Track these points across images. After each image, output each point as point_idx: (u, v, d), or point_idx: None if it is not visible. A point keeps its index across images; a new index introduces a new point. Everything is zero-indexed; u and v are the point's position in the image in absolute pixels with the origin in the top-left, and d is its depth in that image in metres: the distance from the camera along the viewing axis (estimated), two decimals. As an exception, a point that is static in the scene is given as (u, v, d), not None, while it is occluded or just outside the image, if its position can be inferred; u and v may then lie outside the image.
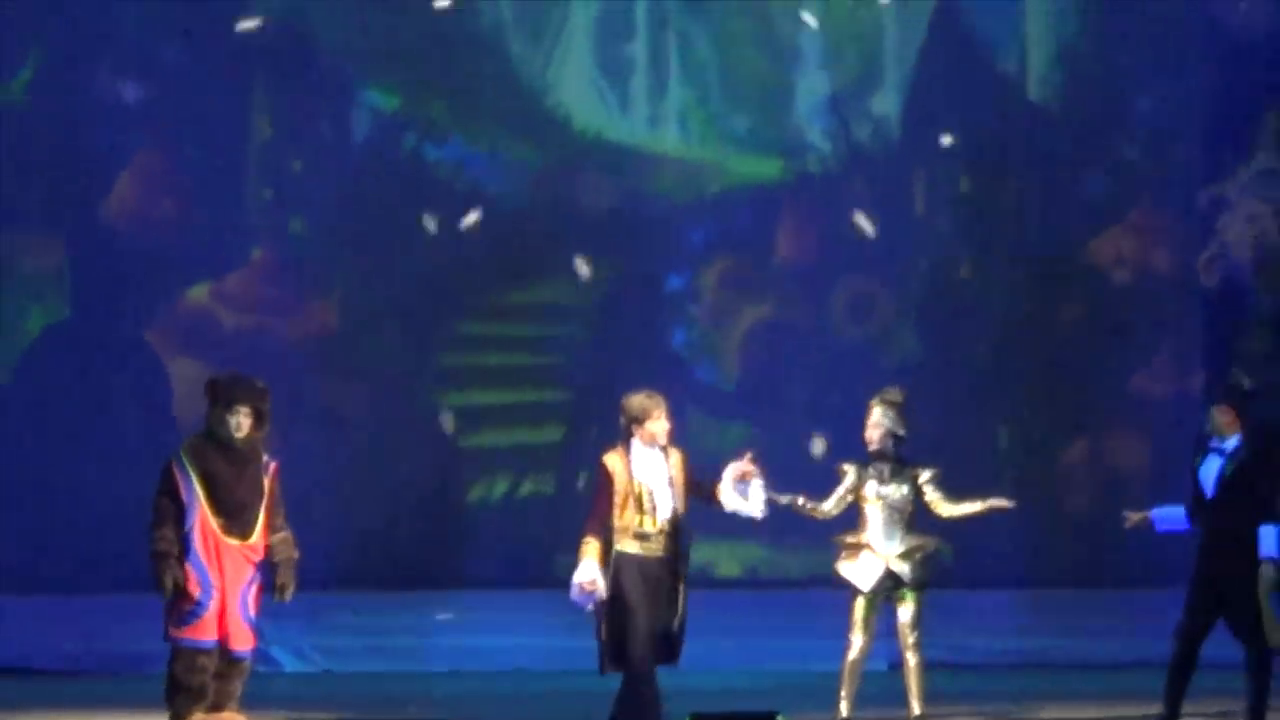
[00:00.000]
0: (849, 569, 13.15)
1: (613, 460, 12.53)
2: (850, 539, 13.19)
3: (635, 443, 12.54)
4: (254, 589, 12.66)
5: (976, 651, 17.08)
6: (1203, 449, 12.59)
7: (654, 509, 12.47)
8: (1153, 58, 18.48)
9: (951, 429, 17.84)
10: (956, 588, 17.17)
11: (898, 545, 13.08)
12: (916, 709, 13.01)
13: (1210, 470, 12.51)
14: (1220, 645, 12.61)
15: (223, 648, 12.66)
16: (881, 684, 13.54)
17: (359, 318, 18.40)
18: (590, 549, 12.39)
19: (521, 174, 18.53)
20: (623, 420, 12.63)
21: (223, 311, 18.28)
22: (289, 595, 12.68)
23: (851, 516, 13.23)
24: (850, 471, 13.25)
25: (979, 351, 18.45)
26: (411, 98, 18.51)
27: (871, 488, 13.18)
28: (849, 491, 13.21)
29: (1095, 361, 18.11)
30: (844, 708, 13.07)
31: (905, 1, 18.54)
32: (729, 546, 18.11)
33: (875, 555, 13.09)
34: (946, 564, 13.17)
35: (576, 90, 18.50)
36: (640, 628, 12.39)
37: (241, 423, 12.56)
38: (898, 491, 13.14)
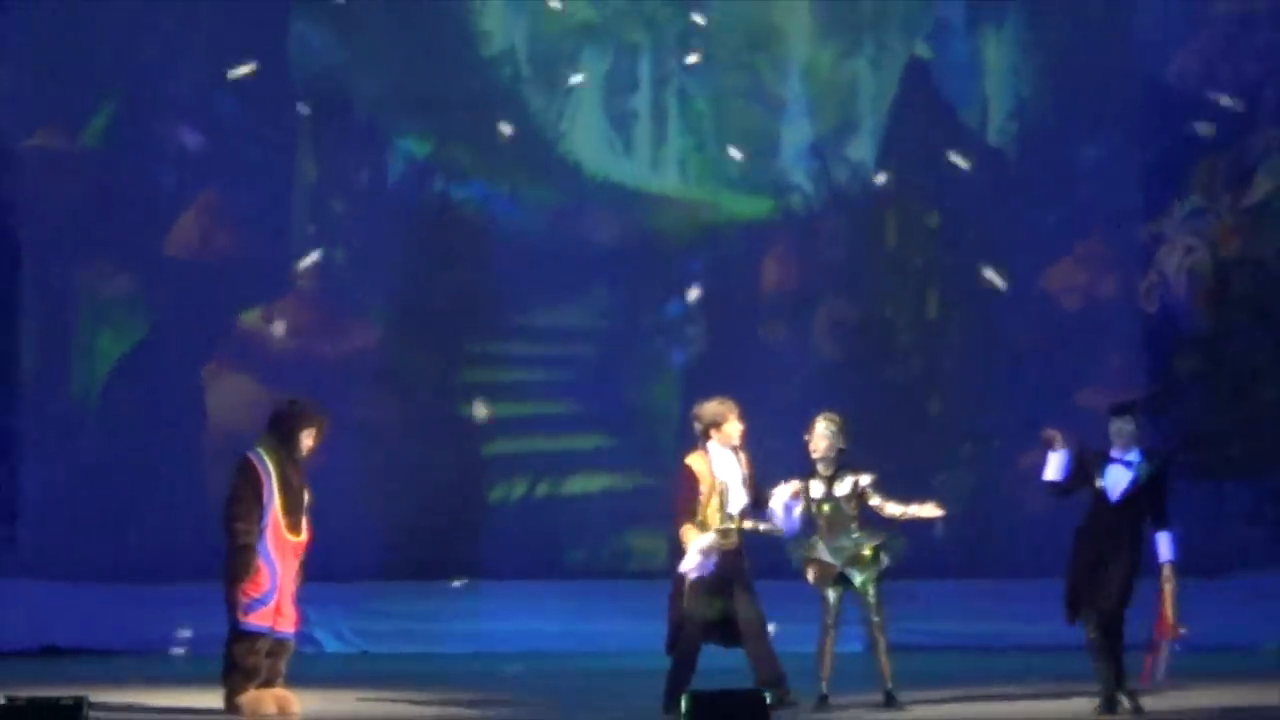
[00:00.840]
0: (809, 573, 13.12)
1: (696, 461, 12.55)
2: (800, 545, 13.08)
3: (713, 445, 12.56)
4: (297, 578, 12.80)
5: (939, 635, 17.10)
6: (1103, 458, 12.54)
7: (731, 505, 12.52)
8: (1098, 111, 18.45)
9: (919, 438, 17.97)
10: (924, 578, 17.33)
11: (847, 545, 13.00)
12: (888, 686, 12.97)
13: (1118, 479, 12.47)
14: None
15: (275, 632, 12.77)
16: (857, 665, 13.60)
17: (393, 338, 18.46)
18: (691, 531, 12.39)
19: (538, 212, 18.57)
20: (699, 425, 12.64)
21: (273, 333, 18.32)
22: None
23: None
24: (794, 485, 12.99)
25: (944, 368, 18.46)
26: (440, 145, 18.57)
27: (818, 492, 13.06)
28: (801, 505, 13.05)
29: (1048, 377, 18.05)
30: (823, 686, 13.06)
31: (879, 61, 18.59)
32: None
33: (827, 557, 13.04)
34: (901, 554, 13.13)
35: (587, 138, 18.55)
36: (701, 619, 12.42)
37: (312, 441, 12.73)
38: (841, 495, 13.01)
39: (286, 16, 18.44)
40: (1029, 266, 18.50)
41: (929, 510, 13.12)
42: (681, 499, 12.60)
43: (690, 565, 12.46)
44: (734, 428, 12.61)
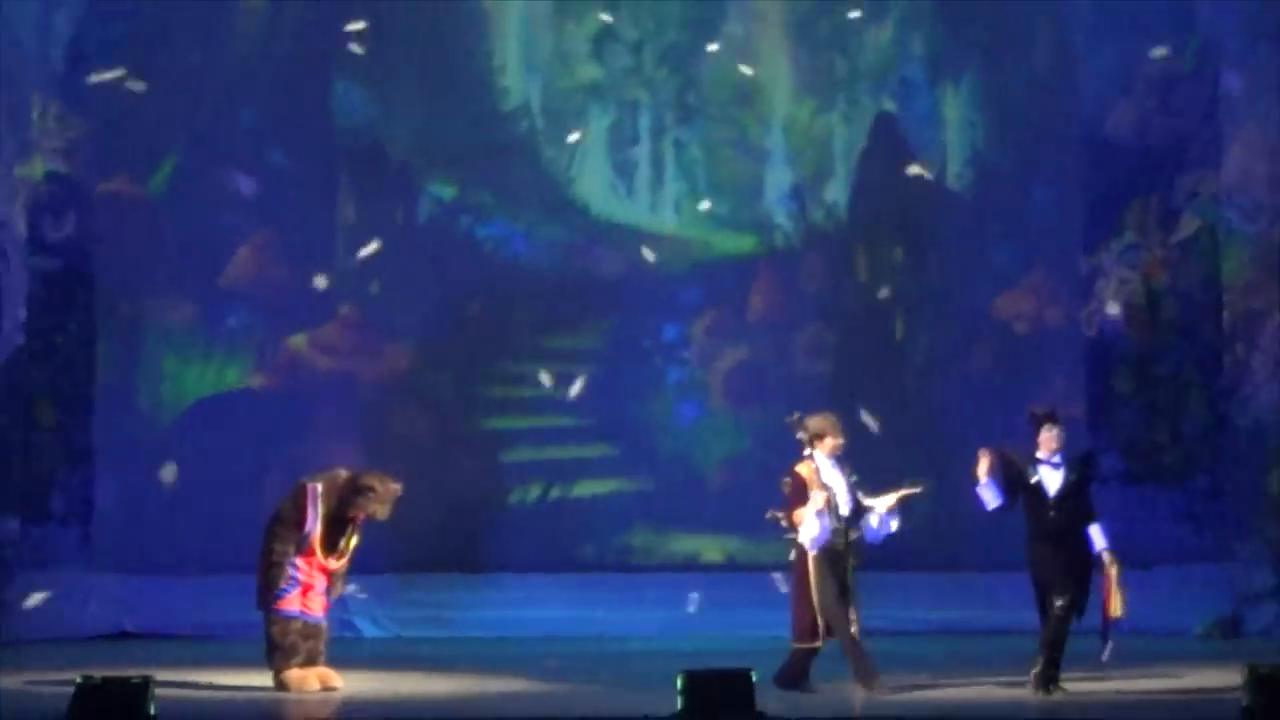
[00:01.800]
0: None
1: (805, 470, 12.39)
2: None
3: (819, 455, 12.41)
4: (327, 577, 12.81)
5: (907, 621, 17.11)
6: (1031, 462, 12.52)
7: (837, 509, 12.36)
8: (1044, 158, 18.45)
9: (886, 449, 17.94)
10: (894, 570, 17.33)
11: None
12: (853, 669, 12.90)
13: (1051, 478, 12.49)
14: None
15: (304, 615, 12.73)
16: (832, 647, 13.58)
17: (423, 359, 18.41)
18: (801, 511, 12.21)
19: (551, 248, 18.54)
20: (805, 436, 12.49)
21: (317, 356, 18.33)
22: (338, 593, 12.98)
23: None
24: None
25: (909, 386, 18.45)
26: (464, 189, 18.52)
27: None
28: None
29: (1000, 395, 17.99)
30: None
31: (850, 115, 18.57)
32: (713, 538, 18.22)
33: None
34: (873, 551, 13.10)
35: (594, 183, 18.52)
36: (818, 613, 12.24)
37: (357, 516, 12.69)
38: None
39: (329, 76, 18.44)
40: (983, 296, 18.49)
41: (909, 490, 13.05)
42: (792, 504, 12.44)
43: (810, 534, 12.23)
44: (837, 440, 12.45)
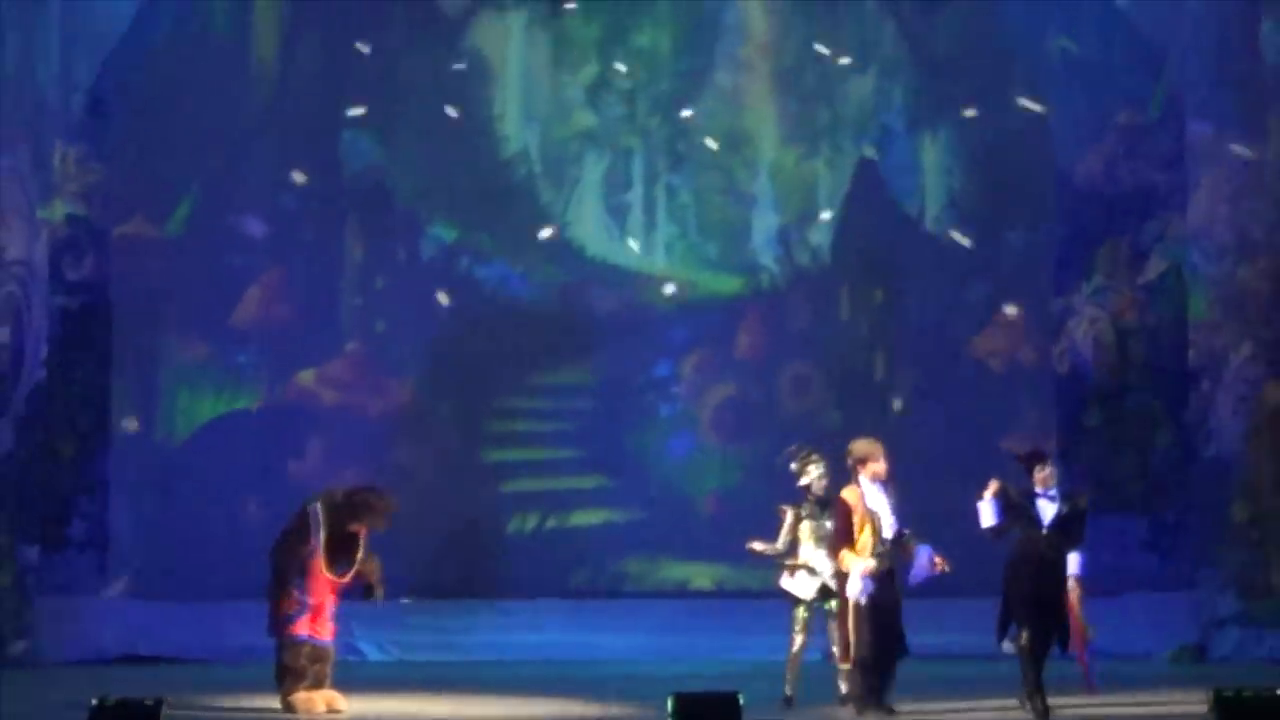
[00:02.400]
0: (791, 584, 13.09)
1: (850, 494, 12.26)
2: (790, 561, 13.10)
3: (863, 479, 12.28)
4: (336, 601, 12.74)
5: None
6: (1029, 495, 12.54)
7: (881, 531, 12.20)
8: (1018, 202, 18.44)
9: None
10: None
11: (827, 565, 12.93)
12: (844, 689, 12.86)
13: (1046, 510, 12.50)
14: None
15: (313, 639, 12.69)
16: (815, 672, 13.54)
17: (425, 394, 18.41)
18: (850, 556, 12.04)
19: (548, 287, 18.54)
20: (850, 461, 12.34)
21: (325, 391, 18.32)
22: (380, 595, 12.76)
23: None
24: (789, 512, 13.16)
25: (888, 421, 18.38)
26: (466, 231, 18.54)
27: (806, 522, 13.08)
28: (791, 528, 13.15)
29: (976, 427, 17.97)
30: (788, 689, 13.05)
31: (834, 161, 18.60)
32: (703, 566, 18.20)
33: (813, 574, 12.99)
34: None
35: (589, 226, 18.52)
36: (871, 629, 12.07)
37: (358, 530, 12.66)
38: (825, 524, 12.97)
39: (338, 124, 18.46)
40: (960, 334, 18.49)
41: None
42: (839, 529, 12.29)
43: (855, 590, 12.11)
44: (880, 465, 12.32)
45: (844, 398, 18.40)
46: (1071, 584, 12.51)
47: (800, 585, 13.09)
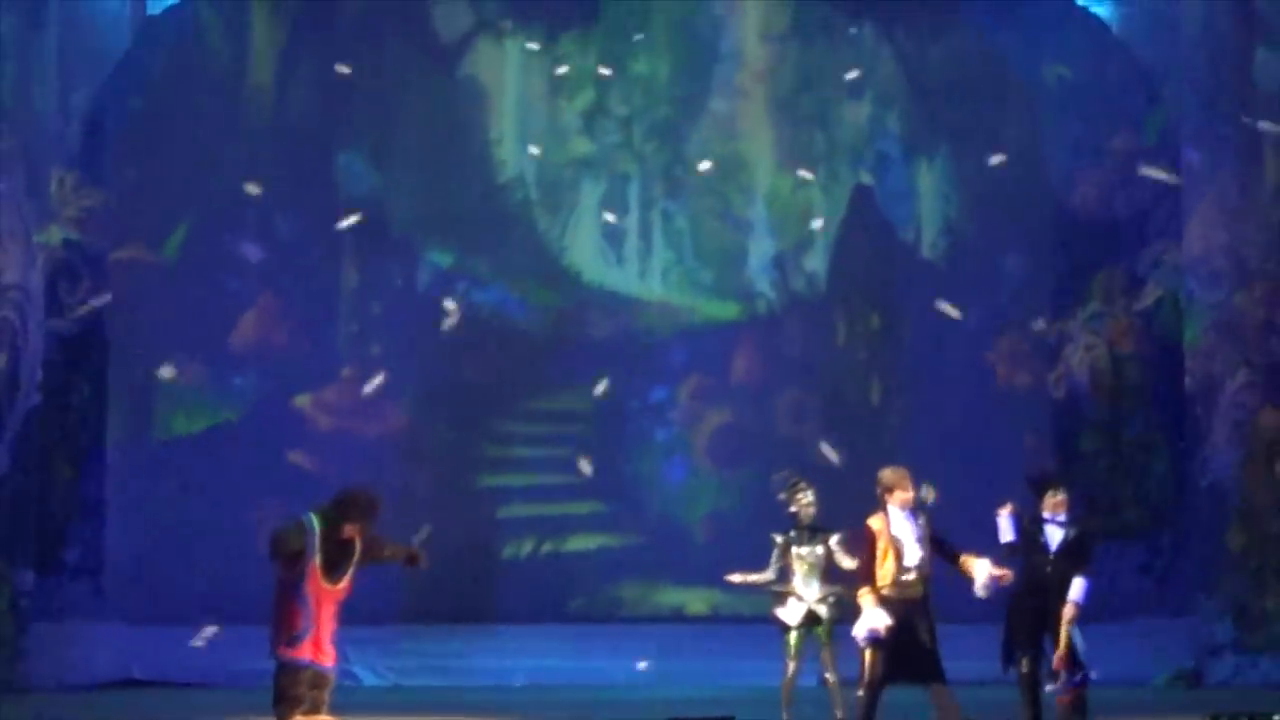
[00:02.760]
0: (782, 611, 13.06)
1: (875, 522, 12.02)
2: (779, 589, 13.05)
3: (891, 507, 12.08)
4: (335, 620, 12.61)
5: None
6: (1039, 520, 12.54)
7: (906, 559, 12.00)
8: (1014, 229, 18.52)
9: (863, 505, 17.90)
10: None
11: (816, 592, 12.98)
12: (839, 714, 12.88)
13: (1055, 534, 12.49)
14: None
15: (314, 665, 12.63)
16: (810, 696, 13.51)
17: (422, 419, 18.42)
18: (868, 597, 11.79)
19: (544, 312, 18.59)
20: (878, 489, 12.14)
21: (321, 415, 18.34)
22: (423, 559, 12.56)
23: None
24: (779, 540, 13.12)
25: (884, 445, 18.41)
26: (462, 257, 18.60)
27: (796, 550, 13.06)
28: (781, 556, 13.08)
29: (972, 453, 17.91)
30: (785, 715, 12.96)
31: (829, 188, 18.66)
32: (698, 591, 18.18)
33: (800, 600, 12.99)
34: (849, 605, 13.04)
35: (585, 251, 18.59)
36: (887, 657, 11.81)
37: (351, 534, 12.49)
38: (815, 552, 13.02)
39: (333, 150, 18.49)
40: (956, 360, 18.49)
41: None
42: (861, 557, 12.10)
43: (860, 632, 11.89)
44: (908, 494, 12.12)
45: (839, 423, 18.40)
46: (1069, 611, 12.44)
47: (789, 612, 13.07)
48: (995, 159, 18.00)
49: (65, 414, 17.58)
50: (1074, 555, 12.49)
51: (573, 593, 18.29)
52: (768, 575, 13.11)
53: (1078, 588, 12.47)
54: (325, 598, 12.53)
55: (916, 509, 12.14)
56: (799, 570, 13.05)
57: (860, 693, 12.08)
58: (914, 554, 12.01)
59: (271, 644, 12.55)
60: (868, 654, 11.90)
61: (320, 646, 12.46)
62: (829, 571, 13.09)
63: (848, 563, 12.87)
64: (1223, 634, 17.29)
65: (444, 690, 16.90)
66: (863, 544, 12.14)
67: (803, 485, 13.27)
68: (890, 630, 11.67)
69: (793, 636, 13.04)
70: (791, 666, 13.04)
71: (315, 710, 12.59)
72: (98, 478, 17.77)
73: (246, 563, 16.95)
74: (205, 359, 18.14)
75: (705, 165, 18.36)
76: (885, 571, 11.93)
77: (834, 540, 13.05)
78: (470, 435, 18.37)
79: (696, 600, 18.15)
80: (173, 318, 18.03)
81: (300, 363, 18.28)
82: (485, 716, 14.54)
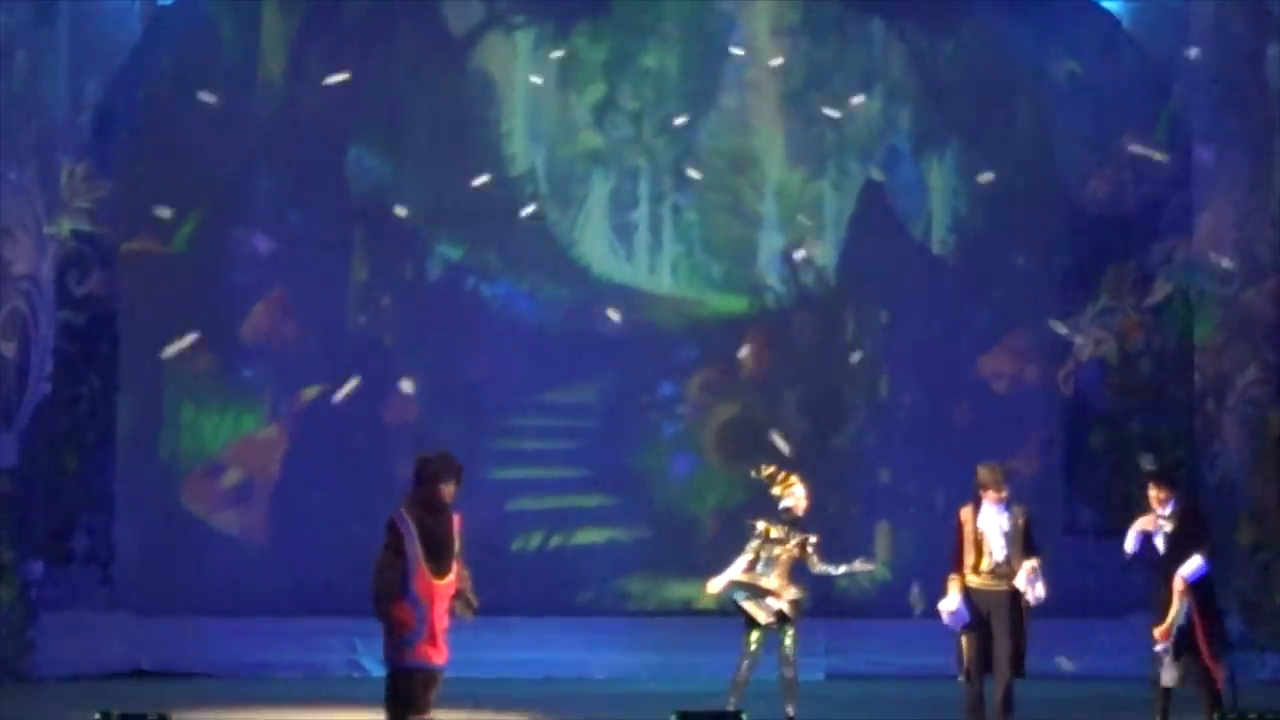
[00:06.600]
0: (753, 607, 13.05)
1: (964, 513, 12.62)
2: (746, 579, 13.08)
3: (985, 501, 12.53)
4: (447, 615, 12.25)
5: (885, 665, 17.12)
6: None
7: (990, 551, 12.42)
8: (1024, 225, 18.43)
9: (871, 501, 17.93)
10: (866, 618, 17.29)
11: (788, 590, 13.01)
12: (790, 711, 12.98)
13: (1164, 529, 12.57)
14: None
15: (427, 665, 12.21)
16: (763, 690, 13.36)
17: (432, 412, 18.34)
18: (954, 583, 12.43)
19: (554, 307, 18.51)
20: (976, 484, 12.64)
21: (329, 407, 18.20)
22: (471, 614, 12.39)
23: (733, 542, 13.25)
24: (761, 526, 13.13)
25: (894, 443, 18.44)
26: (472, 250, 18.51)
27: (773, 545, 13.06)
28: (755, 549, 13.07)
29: (982, 449, 17.78)
30: (731, 703, 12.85)
31: (840, 183, 18.60)
32: (705, 584, 18.08)
33: (771, 597, 12.99)
34: (808, 606, 13.16)
35: (595, 245, 18.49)
36: (973, 645, 12.37)
37: (452, 490, 12.17)
38: (790, 550, 13.03)
39: (345, 142, 18.45)
40: (965, 356, 18.46)
41: (861, 566, 13.29)
42: (954, 546, 12.61)
43: (945, 617, 12.52)
44: (998, 492, 12.53)
45: (847, 418, 18.37)
46: (1177, 581, 12.51)
47: (762, 610, 13.05)
48: (983, 177, 18.04)
49: (75, 404, 17.57)
50: (1183, 542, 12.48)
51: (581, 586, 18.26)
52: (744, 566, 13.03)
53: (1190, 565, 12.52)
54: (434, 594, 12.05)
55: (1010, 504, 12.34)
56: (775, 565, 13.03)
57: (959, 678, 12.36)
58: (999, 549, 12.24)
59: (386, 652, 12.06)
60: (962, 640, 12.36)
61: (435, 644, 12.02)
62: (796, 570, 13.09)
63: (820, 567, 12.93)
64: (1232, 631, 17.20)
65: (451, 682, 16.68)
66: (955, 532, 12.56)
67: (794, 479, 13.23)
68: (970, 619, 12.25)
69: (755, 633, 13.03)
70: (747, 663, 13.03)
71: (423, 712, 12.20)
72: (107, 468, 17.73)
73: (255, 554, 17.00)
74: (214, 350, 18.05)
75: (695, 174, 18.35)
76: (967, 562, 12.42)
77: (812, 541, 13.04)
78: (480, 428, 18.27)
79: (704, 594, 18.06)
80: (182, 309, 17.96)
81: (310, 354, 18.22)
82: (493, 708, 14.47)
